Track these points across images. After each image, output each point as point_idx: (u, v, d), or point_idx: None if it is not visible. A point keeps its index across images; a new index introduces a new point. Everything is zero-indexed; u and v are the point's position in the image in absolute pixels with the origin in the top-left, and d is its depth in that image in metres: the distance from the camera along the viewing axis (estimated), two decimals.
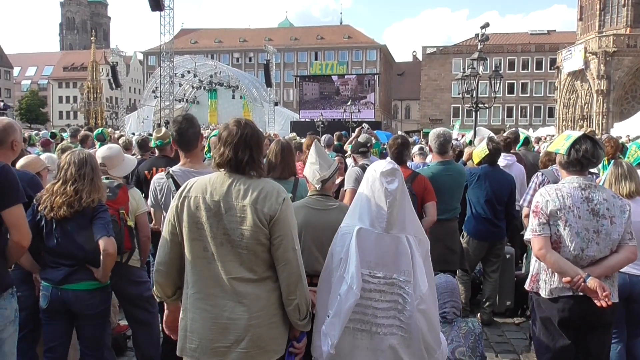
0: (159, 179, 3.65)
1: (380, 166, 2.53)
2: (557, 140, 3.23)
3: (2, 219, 2.67)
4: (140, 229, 3.94)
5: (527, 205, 4.29)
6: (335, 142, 9.68)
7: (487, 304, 5.55)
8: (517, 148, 8.10)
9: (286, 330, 2.51)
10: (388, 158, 2.66)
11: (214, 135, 5.21)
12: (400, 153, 4.54)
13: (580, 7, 43.07)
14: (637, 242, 3.07)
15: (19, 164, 3.74)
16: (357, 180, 4.71)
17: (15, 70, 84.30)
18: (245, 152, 2.39)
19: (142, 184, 4.77)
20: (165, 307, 2.67)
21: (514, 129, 10.48)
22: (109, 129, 11.95)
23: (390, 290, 2.46)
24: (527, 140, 8.16)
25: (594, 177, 4.57)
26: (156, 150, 5.46)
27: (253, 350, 2.39)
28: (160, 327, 4.00)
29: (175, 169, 3.58)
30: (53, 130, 14.30)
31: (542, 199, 3.04)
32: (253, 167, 2.42)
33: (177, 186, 3.48)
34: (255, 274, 2.39)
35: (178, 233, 2.44)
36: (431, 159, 7.60)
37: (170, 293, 2.57)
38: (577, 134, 3.10)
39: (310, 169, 3.09)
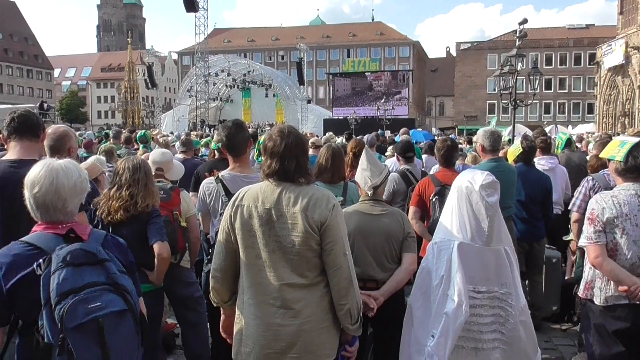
0: (208, 183, 3.72)
1: (478, 178, 2.48)
2: (610, 146, 3.16)
3: None
4: (191, 230, 4.03)
5: (577, 210, 4.21)
6: None
7: (534, 308, 5.47)
8: (560, 150, 7.93)
9: (337, 334, 2.53)
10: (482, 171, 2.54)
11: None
12: (450, 155, 4.50)
13: (620, 1, 41.68)
14: None
15: None
16: (389, 192, 4.70)
17: (56, 72, 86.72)
18: (291, 161, 2.42)
19: None
20: (221, 312, 2.74)
21: (541, 128, 10.25)
22: (155, 131, 12.18)
23: (492, 304, 2.46)
24: (569, 142, 7.97)
25: None
26: (215, 153, 5.66)
27: (305, 355, 2.43)
28: (209, 329, 4.12)
29: (224, 173, 3.64)
30: (106, 130, 14.67)
31: (597, 206, 2.98)
32: (301, 174, 2.45)
33: (226, 191, 3.54)
34: (307, 280, 2.42)
35: (233, 241, 2.50)
36: (469, 159, 7.51)
37: (227, 298, 2.63)
38: (632, 140, 3.04)
39: (362, 175, 3.11)
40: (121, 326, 1.87)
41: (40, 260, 1.90)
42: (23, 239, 2.02)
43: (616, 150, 3.07)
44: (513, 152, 5.58)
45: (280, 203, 2.40)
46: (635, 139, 3.05)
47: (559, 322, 5.67)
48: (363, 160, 3.11)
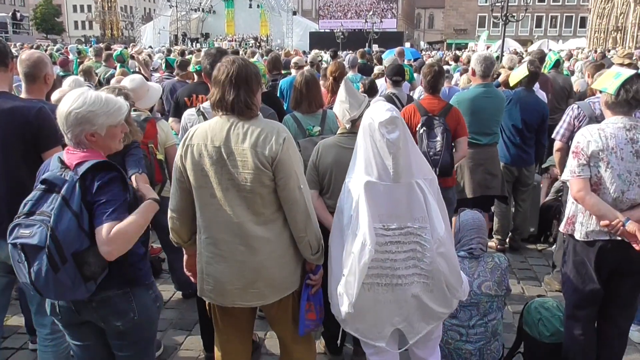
0: (189, 115, 3.59)
1: (378, 115, 2.34)
2: (604, 77, 3.05)
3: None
4: (170, 160, 3.92)
5: (560, 139, 4.11)
6: (360, 61, 9.33)
7: (517, 231, 5.61)
8: (547, 70, 7.78)
9: (298, 266, 2.57)
10: (386, 103, 2.42)
11: (257, 62, 5.12)
12: (436, 82, 4.37)
13: None
14: None
15: (55, 97, 3.66)
16: None
17: None
18: (231, 91, 2.32)
19: (182, 110, 4.70)
20: (184, 252, 2.73)
21: (540, 49, 9.98)
22: (137, 47, 11.64)
23: (407, 239, 2.40)
24: (557, 62, 7.79)
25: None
26: (194, 76, 5.44)
27: (266, 289, 2.47)
28: None
29: (205, 105, 3.50)
30: (79, 46, 14.09)
31: (583, 139, 2.92)
32: (242, 106, 2.34)
33: None
34: (263, 216, 2.40)
35: (185, 181, 2.45)
36: (464, 81, 7.34)
37: (186, 238, 2.61)
38: (627, 72, 2.93)
39: (340, 107, 3.01)
40: (38, 258, 1.99)
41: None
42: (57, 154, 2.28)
43: (610, 81, 2.96)
44: (517, 75, 5.47)
45: (229, 141, 2.33)
46: (630, 72, 2.94)
47: (535, 243, 5.84)
48: (342, 91, 2.99)
